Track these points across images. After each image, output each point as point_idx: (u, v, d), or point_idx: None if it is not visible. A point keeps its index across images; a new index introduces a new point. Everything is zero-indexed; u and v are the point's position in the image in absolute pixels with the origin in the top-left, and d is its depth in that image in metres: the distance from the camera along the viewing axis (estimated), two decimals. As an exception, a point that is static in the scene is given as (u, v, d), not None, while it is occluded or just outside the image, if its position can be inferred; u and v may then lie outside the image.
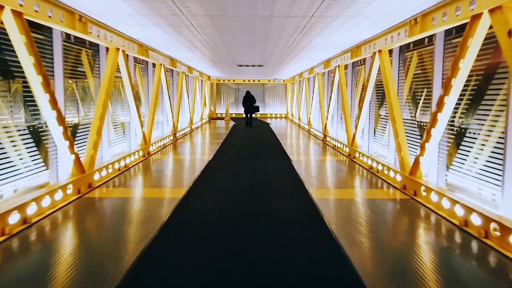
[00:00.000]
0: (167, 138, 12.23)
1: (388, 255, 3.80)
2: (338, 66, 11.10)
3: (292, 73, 20.86)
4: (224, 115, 25.64)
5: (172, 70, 14.74)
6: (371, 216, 4.99)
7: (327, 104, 13.55)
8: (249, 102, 18.95)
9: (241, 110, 25.61)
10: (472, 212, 4.37)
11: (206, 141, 13.88)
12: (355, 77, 11.34)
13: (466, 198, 5.00)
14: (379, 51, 7.48)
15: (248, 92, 19.19)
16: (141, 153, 9.16)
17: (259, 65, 15.87)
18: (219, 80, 26.77)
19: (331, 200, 5.73)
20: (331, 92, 12.36)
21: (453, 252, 3.93)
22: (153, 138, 11.34)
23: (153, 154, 10.12)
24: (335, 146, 11.47)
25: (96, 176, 6.53)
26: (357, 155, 9.05)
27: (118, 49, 7.44)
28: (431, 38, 6.70)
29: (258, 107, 19.26)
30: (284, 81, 26.59)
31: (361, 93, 10.41)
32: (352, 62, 11.16)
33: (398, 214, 5.25)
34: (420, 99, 7.12)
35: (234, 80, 26.75)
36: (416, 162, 5.84)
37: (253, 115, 20.20)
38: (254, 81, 26.81)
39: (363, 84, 10.18)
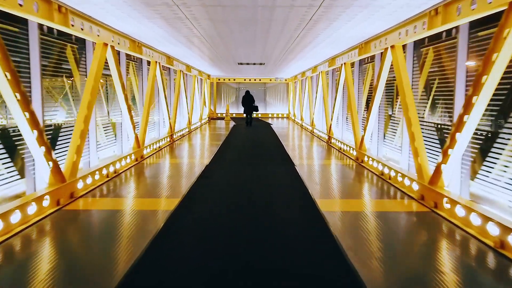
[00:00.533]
0: (163, 140, 11.55)
1: (406, 282, 3.17)
2: (345, 63, 10.43)
3: (294, 72, 20.08)
4: (224, 115, 24.80)
5: (169, 68, 14.02)
6: (385, 232, 4.36)
7: (331, 104, 12.82)
8: (249, 102, 18.70)
9: (242, 110, 24.45)
10: (510, 232, 3.72)
11: (205, 143, 13.19)
12: (362, 76, 10.69)
13: (500, 214, 4.36)
14: (392, 46, 6.82)
15: (247, 92, 18.99)
16: (133, 156, 8.52)
17: (260, 63, 15.04)
18: (219, 79, 26.09)
19: (340, 213, 5.09)
20: (336, 92, 11.63)
21: (486, 280, 3.29)
22: (148, 140, 10.68)
23: (147, 157, 9.48)
24: (340, 148, 10.79)
25: (80, 185, 5.89)
26: (365, 159, 8.39)
27: (106, 44, 6.80)
28: (449, 32, 6.05)
29: (257, 106, 19.13)
30: (285, 80, 25.85)
31: (369, 93, 9.76)
32: (359, 60, 10.50)
33: (416, 230, 4.62)
34: (439, 98, 6.48)
35: (234, 79, 26.01)
36: (438, 170, 5.18)
37: (253, 115, 20.23)
38: (255, 80, 26.08)
39: (371, 83, 9.53)
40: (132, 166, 8.20)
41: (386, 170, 7.10)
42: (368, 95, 9.95)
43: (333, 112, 12.14)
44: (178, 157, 10.05)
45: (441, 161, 5.09)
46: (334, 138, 11.86)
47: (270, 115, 26.59)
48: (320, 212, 4.98)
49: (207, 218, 4.77)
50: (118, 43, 7.48)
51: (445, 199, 4.93)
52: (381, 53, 7.78)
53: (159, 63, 10.83)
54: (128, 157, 8.14)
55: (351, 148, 9.68)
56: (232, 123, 20.94)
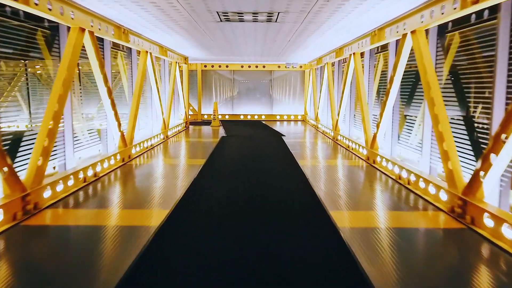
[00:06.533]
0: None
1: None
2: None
3: (320, 52, 13.06)
4: (212, 117, 16.33)
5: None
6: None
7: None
8: None
9: (236, 111, 19.02)
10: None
11: (145, 203, 5.52)
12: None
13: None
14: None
15: None
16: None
17: (269, 16, 6.85)
18: (205, 66, 18.40)
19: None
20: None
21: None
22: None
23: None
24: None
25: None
26: None
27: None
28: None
29: None
30: (300, 66, 18.28)
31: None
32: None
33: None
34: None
35: (227, 66, 18.44)
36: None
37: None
38: (257, 67, 18.38)
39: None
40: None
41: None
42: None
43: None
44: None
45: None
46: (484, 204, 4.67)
47: (278, 117, 18.98)
48: None
49: None
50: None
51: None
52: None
53: None
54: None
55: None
56: (221, 132, 13.97)
